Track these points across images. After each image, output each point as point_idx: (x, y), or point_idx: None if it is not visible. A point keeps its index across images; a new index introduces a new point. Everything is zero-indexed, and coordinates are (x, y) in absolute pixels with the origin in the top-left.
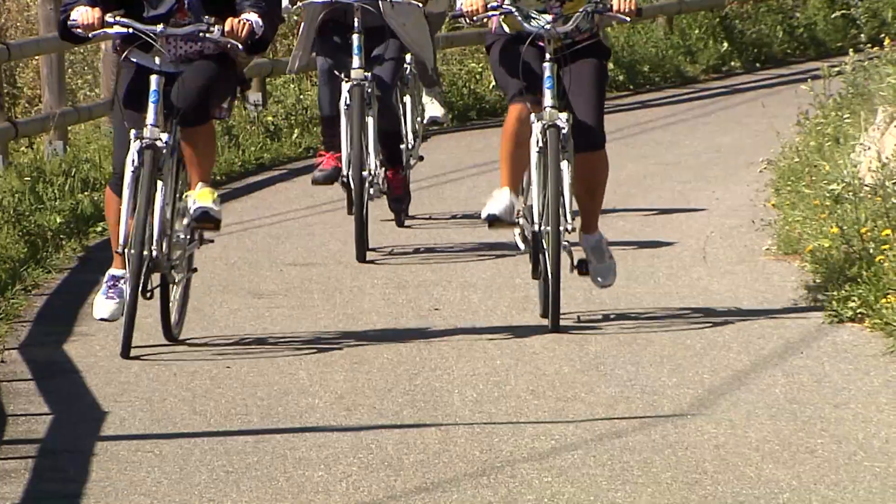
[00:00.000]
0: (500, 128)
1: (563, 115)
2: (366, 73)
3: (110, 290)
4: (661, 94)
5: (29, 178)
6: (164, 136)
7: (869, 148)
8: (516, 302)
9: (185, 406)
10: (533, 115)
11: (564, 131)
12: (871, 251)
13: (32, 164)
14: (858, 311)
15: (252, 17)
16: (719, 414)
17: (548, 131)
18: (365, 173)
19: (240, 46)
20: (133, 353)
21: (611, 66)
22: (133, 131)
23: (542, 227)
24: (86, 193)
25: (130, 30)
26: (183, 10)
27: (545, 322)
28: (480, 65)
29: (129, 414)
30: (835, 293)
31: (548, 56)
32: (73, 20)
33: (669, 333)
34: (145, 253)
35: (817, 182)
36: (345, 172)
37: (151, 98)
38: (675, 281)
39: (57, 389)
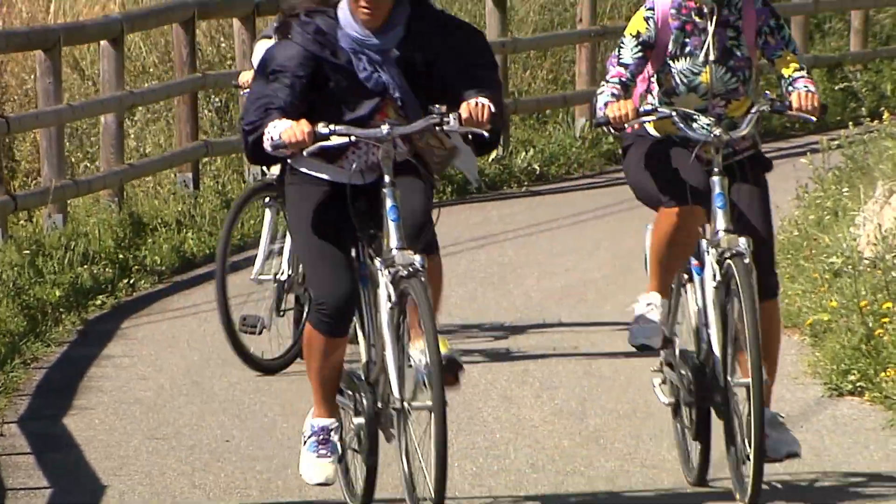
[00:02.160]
0: (498, 201)
1: (743, 241)
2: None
3: (321, 447)
4: None
5: (28, 252)
6: (417, 259)
7: (868, 221)
8: (515, 375)
9: (184, 480)
10: (703, 242)
11: (748, 261)
12: (871, 325)
13: (31, 238)
14: (858, 384)
15: (485, 100)
16: (719, 488)
17: (730, 262)
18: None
19: (485, 134)
20: (131, 427)
21: (610, 139)
22: (378, 259)
23: (730, 380)
24: (85, 267)
25: (352, 138)
26: (386, 108)
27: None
28: None
29: (128, 488)
30: (834, 366)
31: (716, 168)
32: (277, 140)
33: (669, 407)
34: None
35: (817, 255)
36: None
37: (392, 217)
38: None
39: (56, 463)
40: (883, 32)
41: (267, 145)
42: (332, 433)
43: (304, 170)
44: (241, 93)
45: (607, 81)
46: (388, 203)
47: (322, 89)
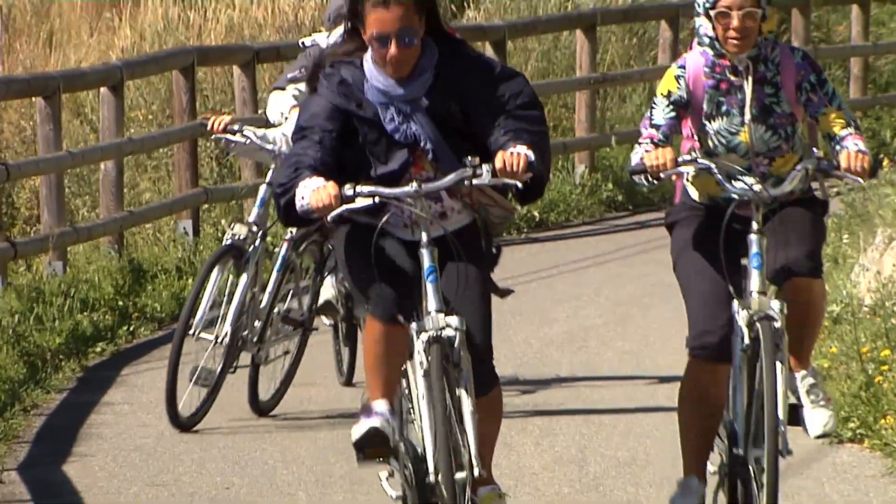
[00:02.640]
0: None
1: (776, 304)
2: (256, 232)
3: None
4: (660, 214)
5: (28, 299)
6: (454, 321)
7: (868, 269)
8: (515, 422)
9: None
10: (735, 304)
11: (778, 325)
12: (871, 372)
13: (31, 285)
14: (858, 431)
15: (521, 149)
16: None
17: (758, 324)
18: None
19: (518, 185)
20: (131, 473)
21: (610, 186)
22: (413, 324)
23: (749, 451)
24: (85, 314)
25: (377, 199)
26: (419, 160)
27: (543, 444)
28: None
29: None
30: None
31: (755, 226)
32: (305, 205)
33: (670, 454)
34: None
35: None
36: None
37: (429, 279)
38: (674, 402)
39: None
40: (882, 80)
41: (298, 208)
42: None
43: (362, 220)
44: (213, 137)
45: (639, 144)
46: (426, 263)
47: (352, 143)
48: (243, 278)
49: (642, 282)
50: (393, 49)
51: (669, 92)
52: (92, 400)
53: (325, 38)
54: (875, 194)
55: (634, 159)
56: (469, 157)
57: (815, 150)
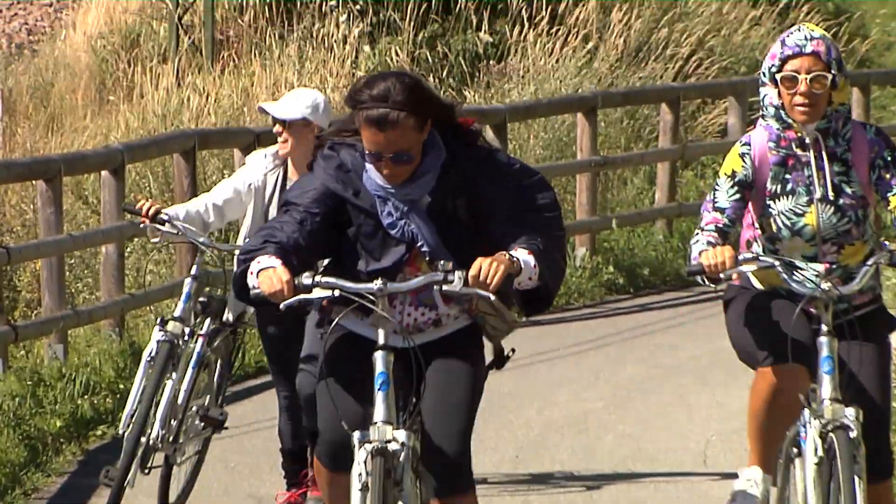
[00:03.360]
0: None
1: (851, 412)
2: (185, 328)
3: None
4: (661, 297)
5: (28, 382)
6: (402, 436)
7: None
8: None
9: None
10: (806, 412)
11: (854, 435)
12: None
13: (32, 368)
14: None
15: (519, 254)
16: None
17: (832, 434)
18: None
19: (491, 297)
20: None
21: (610, 269)
22: (356, 433)
23: None
24: (86, 397)
25: (336, 292)
26: (416, 260)
27: None
28: None
29: None
30: None
31: (824, 327)
32: (253, 284)
33: None
34: None
35: None
36: (121, 430)
37: (379, 386)
38: (675, 485)
39: None
40: None
41: (249, 284)
42: None
43: (342, 323)
44: (142, 225)
45: (702, 229)
46: (378, 369)
47: (344, 233)
48: (173, 377)
49: (643, 365)
50: (387, 169)
51: (734, 171)
52: (93, 483)
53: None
54: None
55: (693, 253)
56: (442, 262)
57: (885, 243)
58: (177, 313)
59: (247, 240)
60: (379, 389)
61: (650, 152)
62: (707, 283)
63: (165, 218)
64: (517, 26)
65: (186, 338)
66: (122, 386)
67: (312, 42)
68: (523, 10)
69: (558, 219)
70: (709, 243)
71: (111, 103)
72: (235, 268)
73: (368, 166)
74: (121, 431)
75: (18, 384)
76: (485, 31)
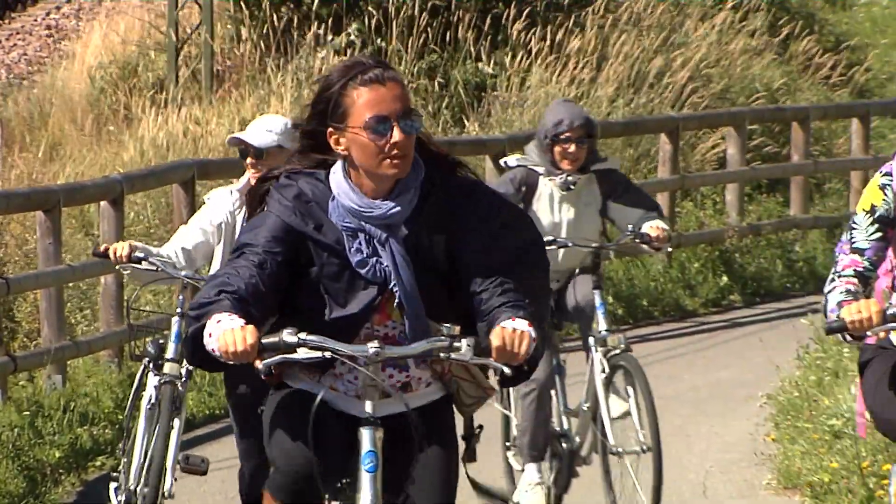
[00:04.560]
0: None
1: None
2: (181, 369)
3: None
4: (660, 328)
5: (28, 413)
6: None
7: None
8: None
9: None
10: None
11: None
12: (871, 486)
13: (31, 399)
14: None
15: (522, 325)
16: None
17: None
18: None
19: (506, 371)
20: None
21: (610, 299)
22: None
23: None
24: (85, 428)
25: (327, 353)
26: (387, 306)
27: None
28: None
29: None
30: None
31: None
32: (212, 346)
33: None
34: None
35: (817, 416)
36: (132, 485)
37: (367, 468)
38: None
39: None
40: None
41: (206, 344)
42: None
43: (293, 385)
44: (117, 267)
45: (839, 275)
46: (366, 447)
47: (303, 275)
48: (176, 423)
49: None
50: (397, 134)
51: (873, 206)
52: None
53: (518, 159)
54: None
55: (830, 304)
56: (446, 325)
57: None
58: (170, 355)
59: None
60: (366, 470)
61: (649, 182)
62: (849, 340)
63: (142, 255)
64: (516, 56)
65: (185, 379)
66: (121, 417)
67: (311, 73)
68: (523, 40)
69: (547, 271)
70: (848, 292)
71: (110, 133)
72: (186, 325)
73: (337, 190)
74: (131, 486)
75: (17, 415)
76: (484, 62)
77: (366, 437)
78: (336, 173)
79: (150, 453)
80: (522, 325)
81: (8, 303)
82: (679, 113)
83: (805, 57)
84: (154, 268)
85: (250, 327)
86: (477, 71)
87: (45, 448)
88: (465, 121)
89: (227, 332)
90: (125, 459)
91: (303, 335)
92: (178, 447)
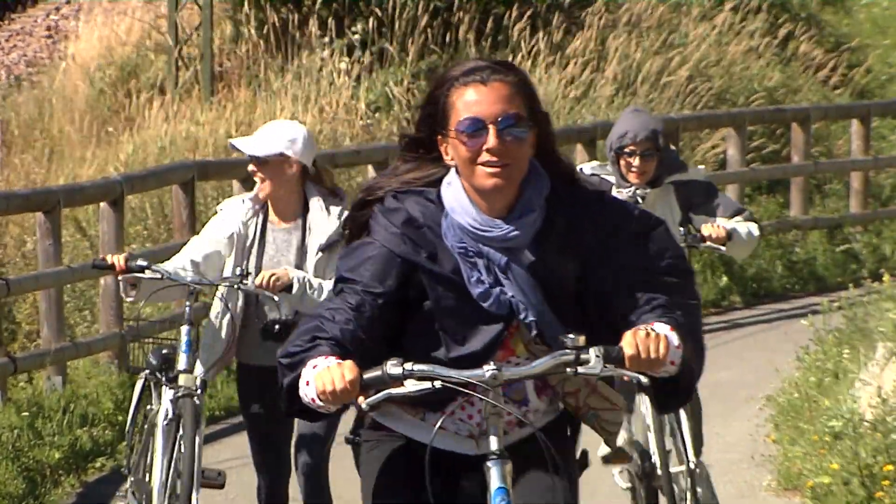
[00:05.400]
0: None
1: None
2: (197, 380)
3: None
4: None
5: (27, 414)
6: None
7: (869, 384)
8: None
9: None
10: None
11: None
12: (871, 487)
13: (31, 400)
14: None
15: (661, 328)
16: None
17: None
18: None
19: (644, 381)
20: None
21: None
22: None
23: None
24: (84, 429)
25: (437, 383)
26: (512, 340)
27: None
28: None
29: None
30: None
31: None
32: (308, 393)
33: None
34: None
35: (817, 418)
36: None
37: (496, 502)
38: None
39: None
40: (882, 194)
41: (302, 396)
42: None
43: (390, 426)
44: (119, 278)
45: None
46: (495, 483)
47: (415, 310)
48: (196, 438)
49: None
50: (491, 139)
51: None
52: None
53: (592, 167)
54: (876, 309)
55: None
56: (570, 336)
57: None
58: (182, 366)
59: (223, 295)
60: None
61: None
62: None
63: (144, 264)
64: (517, 57)
65: (200, 391)
66: (120, 417)
67: (312, 74)
68: (523, 41)
69: (692, 280)
70: None
71: (109, 134)
72: (280, 376)
73: (451, 208)
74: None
75: (17, 416)
76: None
77: (495, 472)
78: (451, 185)
79: (172, 471)
80: (661, 328)
81: (8, 304)
82: (679, 114)
83: (805, 57)
84: (158, 275)
85: (348, 362)
86: None
87: (45, 449)
88: None
89: (323, 373)
90: (132, 478)
91: (408, 365)
92: (199, 462)
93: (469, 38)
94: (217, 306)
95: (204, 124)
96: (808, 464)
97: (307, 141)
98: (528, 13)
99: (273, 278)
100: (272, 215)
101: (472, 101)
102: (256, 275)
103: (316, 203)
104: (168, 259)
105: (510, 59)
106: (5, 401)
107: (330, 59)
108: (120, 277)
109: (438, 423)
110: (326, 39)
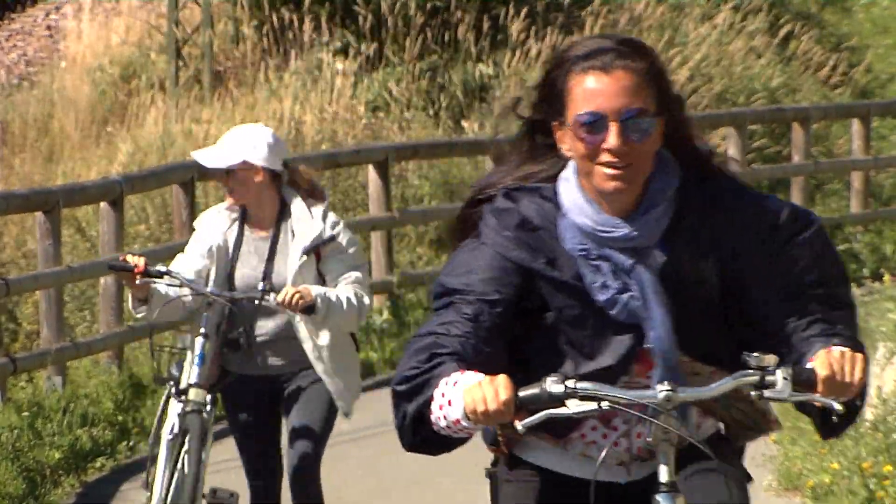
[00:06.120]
0: None
1: None
2: (207, 396)
3: None
4: None
5: (27, 414)
6: None
7: (868, 384)
8: None
9: None
10: None
11: None
12: (872, 487)
13: (31, 400)
14: None
15: (856, 353)
16: None
17: None
18: None
19: (836, 407)
20: None
21: None
22: None
23: None
24: (84, 429)
25: (604, 404)
26: (648, 356)
27: None
28: None
29: None
30: None
31: None
32: (452, 415)
33: None
34: None
35: None
36: None
37: None
38: None
39: None
40: (883, 193)
41: (436, 420)
42: None
43: (528, 459)
44: (137, 282)
45: None
46: None
47: (534, 323)
48: (203, 455)
49: None
50: (613, 137)
51: None
52: None
53: None
54: (876, 309)
55: None
56: (754, 354)
57: None
58: (193, 379)
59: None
60: None
61: None
62: None
63: (164, 269)
64: (517, 57)
65: (210, 407)
66: (120, 418)
67: (313, 73)
68: (522, 41)
69: (850, 293)
70: None
71: (110, 134)
72: (396, 407)
73: (568, 207)
74: None
75: (17, 416)
76: (484, 62)
77: None
78: (567, 181)
79: (173, 488)
80: (856, 353)
81: (10, 305)
82: None
83: (805, 57)
84: (177, 282)
85: (502, 378)
86: (480, 72)
87: (45, 449)
88: (465, 122)
89: (473, 389)
90: (148, 493)
91: (571, 383)
92: (203, 481)
93: (468, 38)
94: (200, 320)
95: (204, 123)
96: (809, 463)
97: (272, 145)
98: (527, 12)
99: (297, 296)
100: (250, 223)
101: (591, 90)
102: (233, 287)
103: (297, 206)
104: (170, 259)
105: (510, 58)
106: (5, 401)
107: (328, 59)
108: (137, 282)
109: (602, 456)
110: (325, 40)
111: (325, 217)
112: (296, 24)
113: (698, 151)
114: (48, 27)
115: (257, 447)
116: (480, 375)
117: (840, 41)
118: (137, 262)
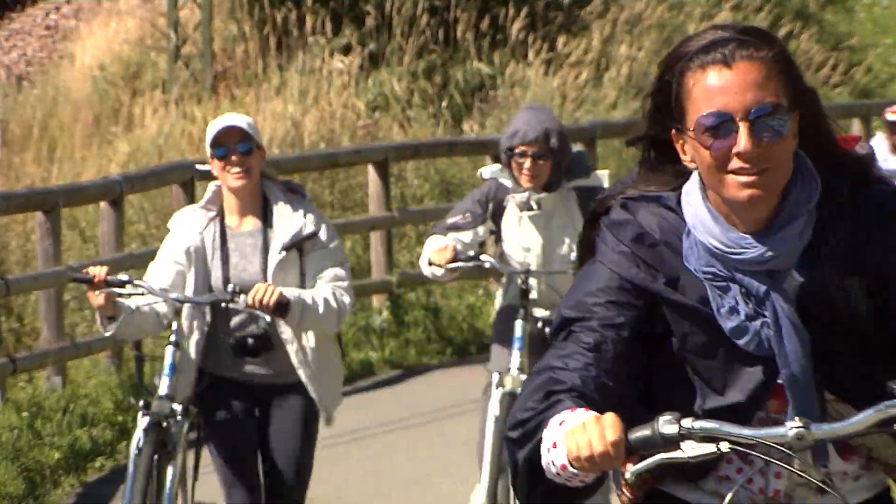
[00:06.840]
0: None
1: None
2: (173, 406)
3: None
4: None
5: (27, 414)
6: None
7: None
8: None
9: None
10: None
11: None
12: None
13: (31, 400)
14: None
15: None
16: None
17: None
18: None
19: None
20: None
21: None
22: None
23: None
24: (84, 429)
25: (723, 446)
26: (783, 390)
27: None
28: (480, 300)
29: None
30: None
31: None
32: (558, 460)
33: None
34: None
35: None
36: None
37: None
38: None
39: None
40: None
41: (546, 466)
42: None
43: (665, 489)
44: (97, 293)
45: None
46: None
47: (661, 350)
48: (169, 472)
49: None
50: (743, 140)
51: None
52: None
53: (492, 171)
54: None
55: None
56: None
57: None
58: (162, 391)
59: (189, 314)
60: None
61: None
62: None
63: (125, 278)
64: (516, 56)
65: (180, 417)
66: (120, 418)
67: (314, 72)
68: (522, 40)
69: None
70: None
71: (110, 134)
72: (509, 455)
73: (693, 223)
74: None
75: (17, 416)
76: (484, 62)
77: None
78: (690, 195)
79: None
80: None
81: (8, 304)
82: None
83: (805, 57)
84: (140, 291)
85: (610, 417)
86: (479, 71)
87: (45, 449)
88: (464, 121)
89: (576, 431)
90: None
91: (687, 422)
92: (171, 499)
93: (467, 37)
94: (183, 326)
95: (204, 123)
96: None
97: (258, 132)
98: (526, 11)
99: (269, 292)
100: (230, 220)
101: (713, 88)
102: (224, 287)
103: (280, 201)
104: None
105: (510, 58)
106: (5, 401)
107: (327, 59)
108: (97, 293)
109: (728, 498)
110: (324, 40)
111: (306, 213)
112: (296, 22)
113: (845, 157)
114: (48, 27)
115: (232, 451)
116: (589, 414)
117: (840, 41)
118: (98, 271)
